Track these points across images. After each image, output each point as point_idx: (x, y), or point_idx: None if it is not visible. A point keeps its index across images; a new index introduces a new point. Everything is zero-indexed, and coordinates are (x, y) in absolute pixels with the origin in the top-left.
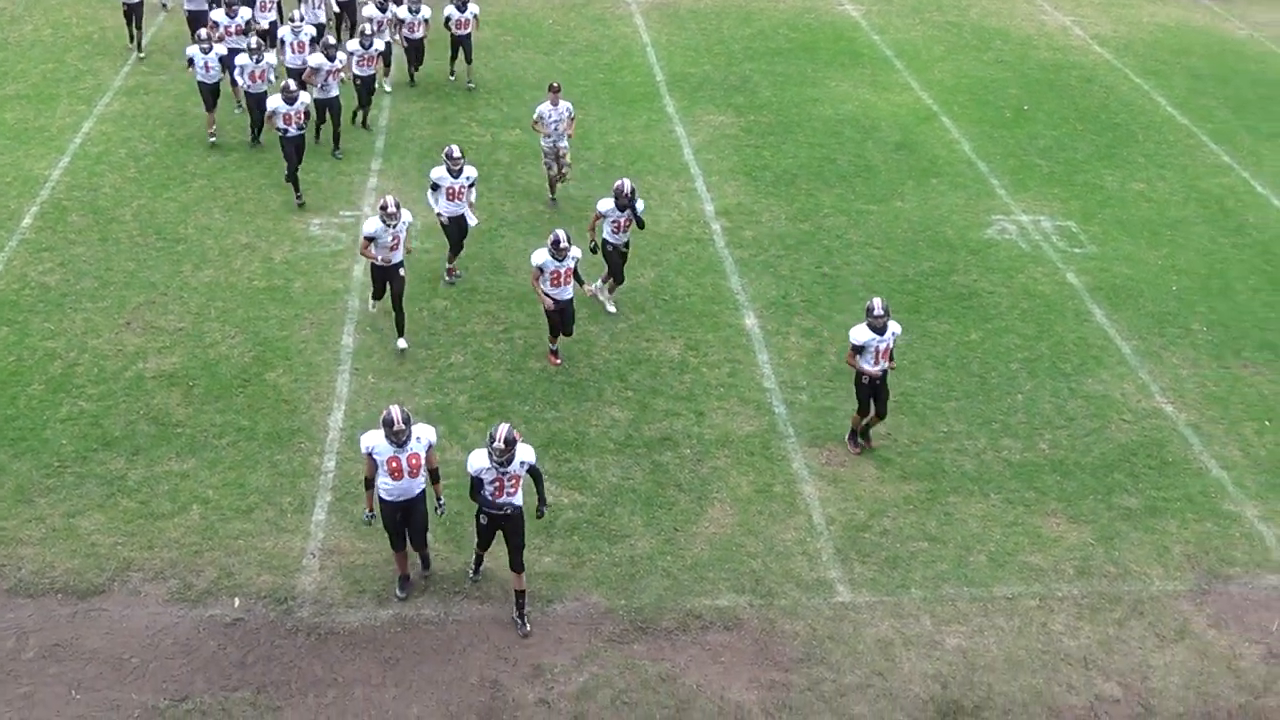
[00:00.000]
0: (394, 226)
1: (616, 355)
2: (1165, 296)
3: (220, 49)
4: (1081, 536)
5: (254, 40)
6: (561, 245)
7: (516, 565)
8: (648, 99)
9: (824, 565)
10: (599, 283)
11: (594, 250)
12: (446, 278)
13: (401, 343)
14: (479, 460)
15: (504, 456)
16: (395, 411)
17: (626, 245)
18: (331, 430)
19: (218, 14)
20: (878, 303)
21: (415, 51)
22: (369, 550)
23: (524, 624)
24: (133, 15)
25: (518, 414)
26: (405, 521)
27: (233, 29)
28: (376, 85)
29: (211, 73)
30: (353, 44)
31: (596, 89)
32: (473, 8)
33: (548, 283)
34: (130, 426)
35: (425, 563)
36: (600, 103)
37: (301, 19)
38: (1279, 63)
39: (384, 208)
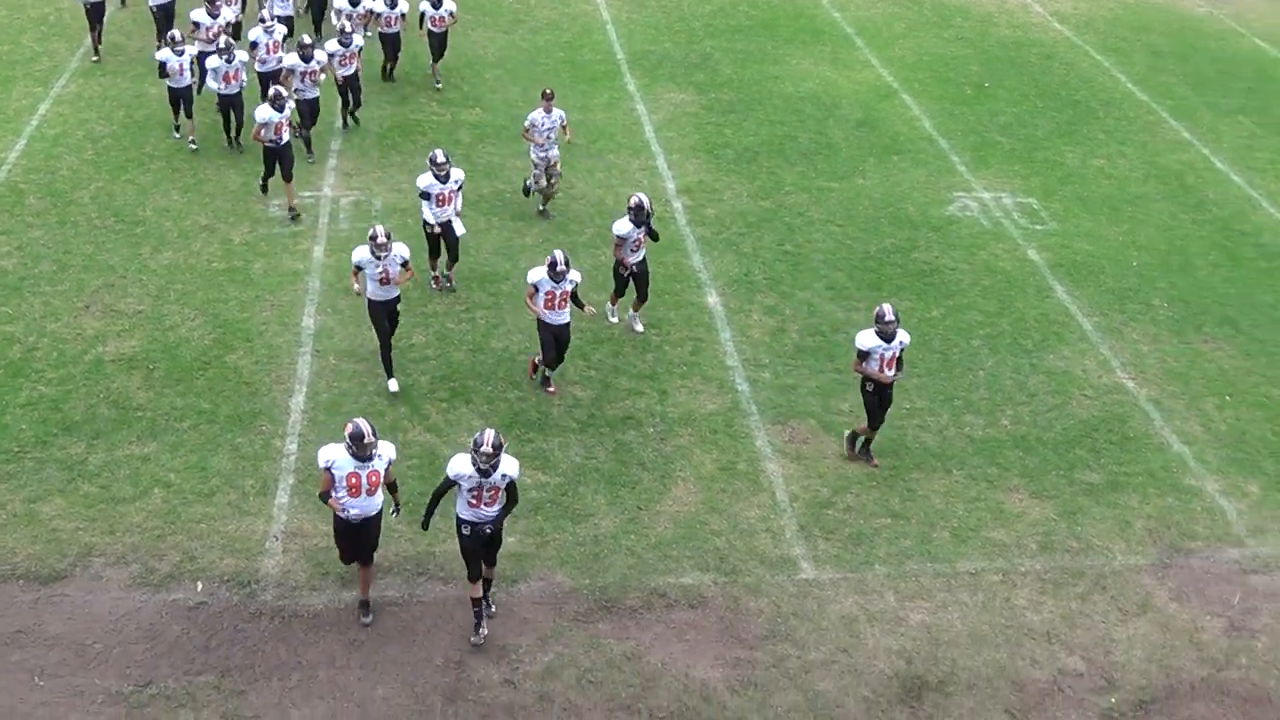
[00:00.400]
0: (384, 259)
1: (579, 334)
2: (1126, 273)
3: (192, 50)
4: (1044, 512)
5: (223, 40)
6: (559, 267)
7: (491, 561)
8: (608, 77)
9: (788, 542)
10: (610, 306)
11: (625, 276)
12: (434, 285)
13: (393, 384)
14: (460, 465)
15: (490, 462)
16: (364, 425)
17: (644, 260)
18: (293, 413)
19: (198, 14)
20: (888, 309)
21: (391, 47)
22: (331, 533)
23: (490, 605)
24: (95, 17)
25: (480, 394)
26: (357, 539)
27: (214, 30)
28: (361, 82)
29: (183, 77)
30: (331, 44)
31: (557, 67)
32: (449, 4)
33: (542, 303)
34: (90, 410)
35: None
36: (561, 81)
37: (273, 18)
38: (1238, 39)
39: (373, 238)
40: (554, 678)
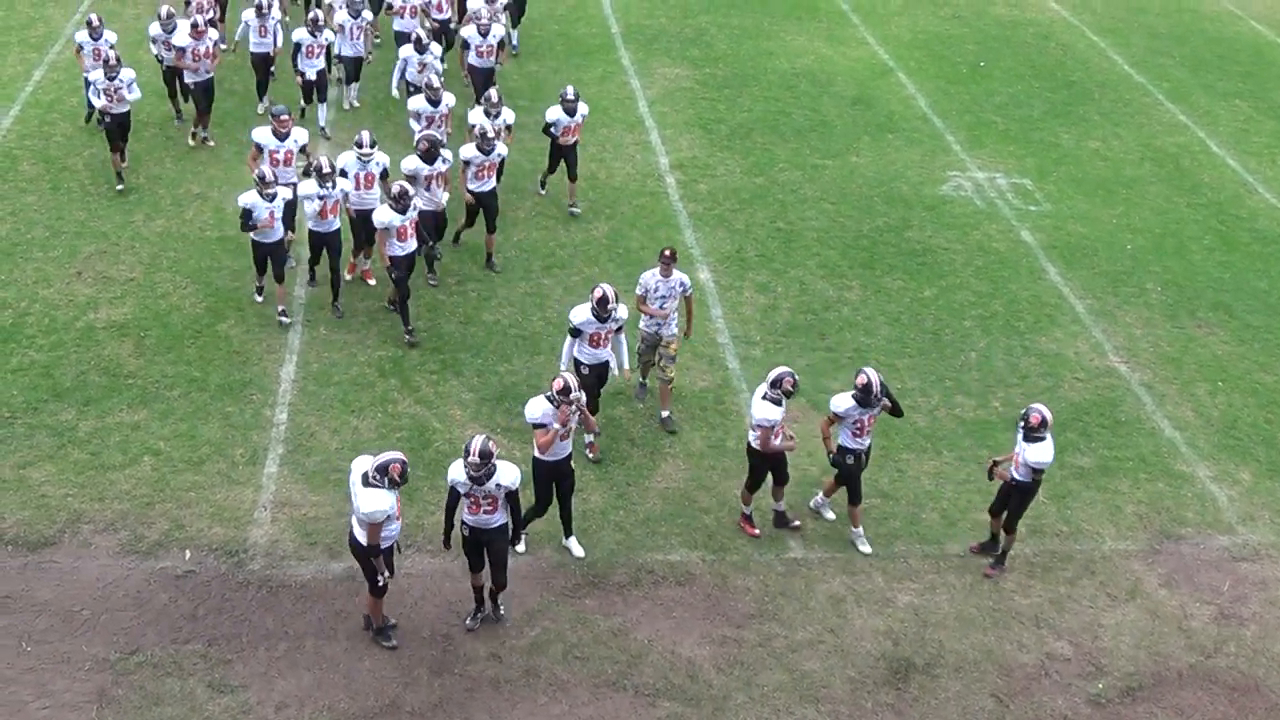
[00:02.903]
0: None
1: (570, 308)
2: (1120, 255)
3: (286, 194)
4: None
5: (316, 161)
6: (609, 304)
7: (498, 582)
8: (603, 51)
9: None
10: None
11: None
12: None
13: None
14: (456, 471)
15: (479, 471)
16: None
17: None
18: (283, 382)
19: (263, 135)
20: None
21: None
22: (320, 503)
23: (499, 610)
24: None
25: (470, 367)
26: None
27: (285, 154)
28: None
29: (275, 230)
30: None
31: (551, 40)
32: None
33: (585, 344)
34: (81, 377)
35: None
36: (555, 55)
37: (371, 144)
38: (1236, 22)
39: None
40: (540, 653)
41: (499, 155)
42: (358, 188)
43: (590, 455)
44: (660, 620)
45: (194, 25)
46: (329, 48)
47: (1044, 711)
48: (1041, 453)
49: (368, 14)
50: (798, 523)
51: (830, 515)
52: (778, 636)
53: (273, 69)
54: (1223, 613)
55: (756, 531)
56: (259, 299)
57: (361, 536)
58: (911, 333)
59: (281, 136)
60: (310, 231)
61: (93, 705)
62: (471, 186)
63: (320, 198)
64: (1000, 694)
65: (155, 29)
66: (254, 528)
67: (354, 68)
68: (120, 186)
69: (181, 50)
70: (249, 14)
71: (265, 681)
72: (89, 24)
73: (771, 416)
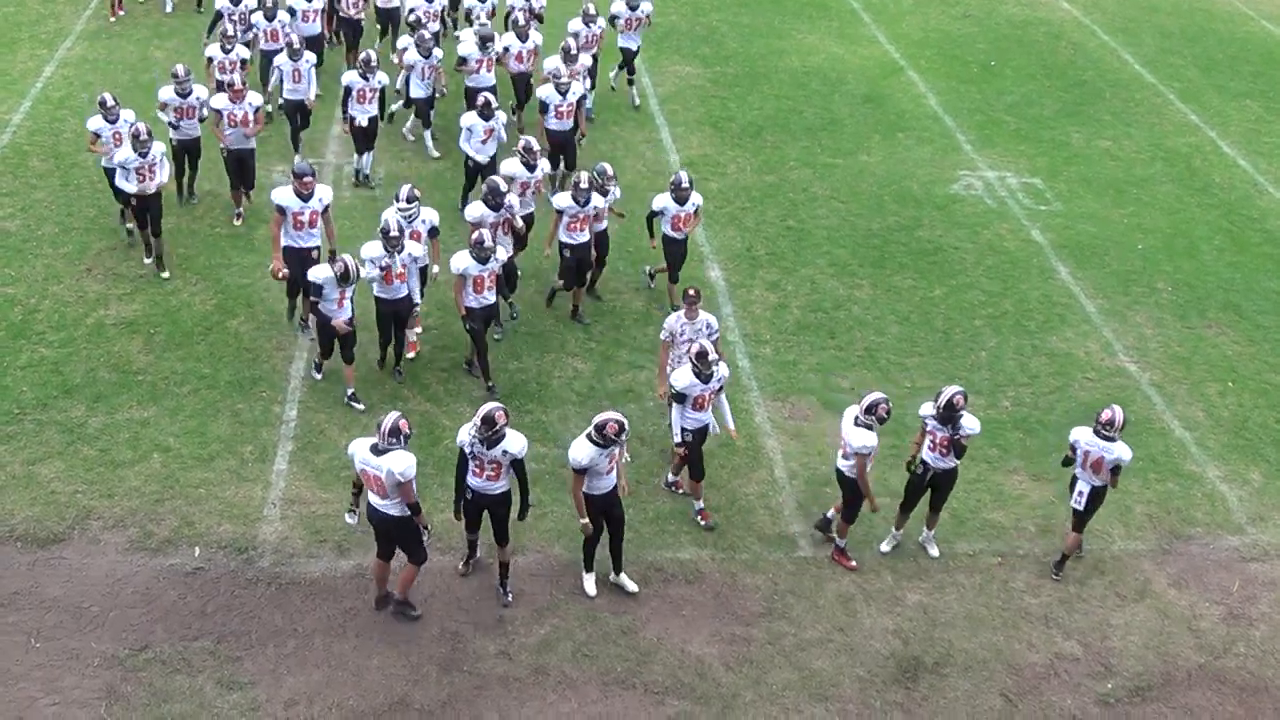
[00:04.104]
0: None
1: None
2: (1130, 255)
3: (371, 271)
4: (1044, 494)
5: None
6: (709, 359)
7: (501, 539)
8: (613, 48)
9: (786, 519)
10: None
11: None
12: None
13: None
14: (463, 433)
15: (484, 435)
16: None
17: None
18: (293, 379)
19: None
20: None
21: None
22: (330, 500)
23: (506, 594)
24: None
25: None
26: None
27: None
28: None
29: (341, 310)
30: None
31: (561, 38)
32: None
33: (690, 409)
34: (91, 374)
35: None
36: None
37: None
38: (1248, 23)
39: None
40: (550, 650)
41: (594, 207)
42: None
43: (703, 522)
44: (669, 618)
45: (229, 85)
46: (382, 91)
47: (1053, 711)
48: (1122, 451)
49: (439, 52)
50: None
51: (934, 551)
52: (787, 635)
53: (308, 118)
54: (1232, 613)
55: (854, 564)
56: (318, 376)
57: (396, 502)
58: (921, 332)
59: (305, 197)
60: (376, 300)
61: (101, 702)
62: (565, 238)
63: (383, 266)
64: (1009, 693)
65: (168, 93)
66: (263, 525)
67: (427, 110)
68: (165, 274)
69: (219, 113)
70: (281, 59)
71: (274, 678)
72: (102, 104)
73: (870, 443)
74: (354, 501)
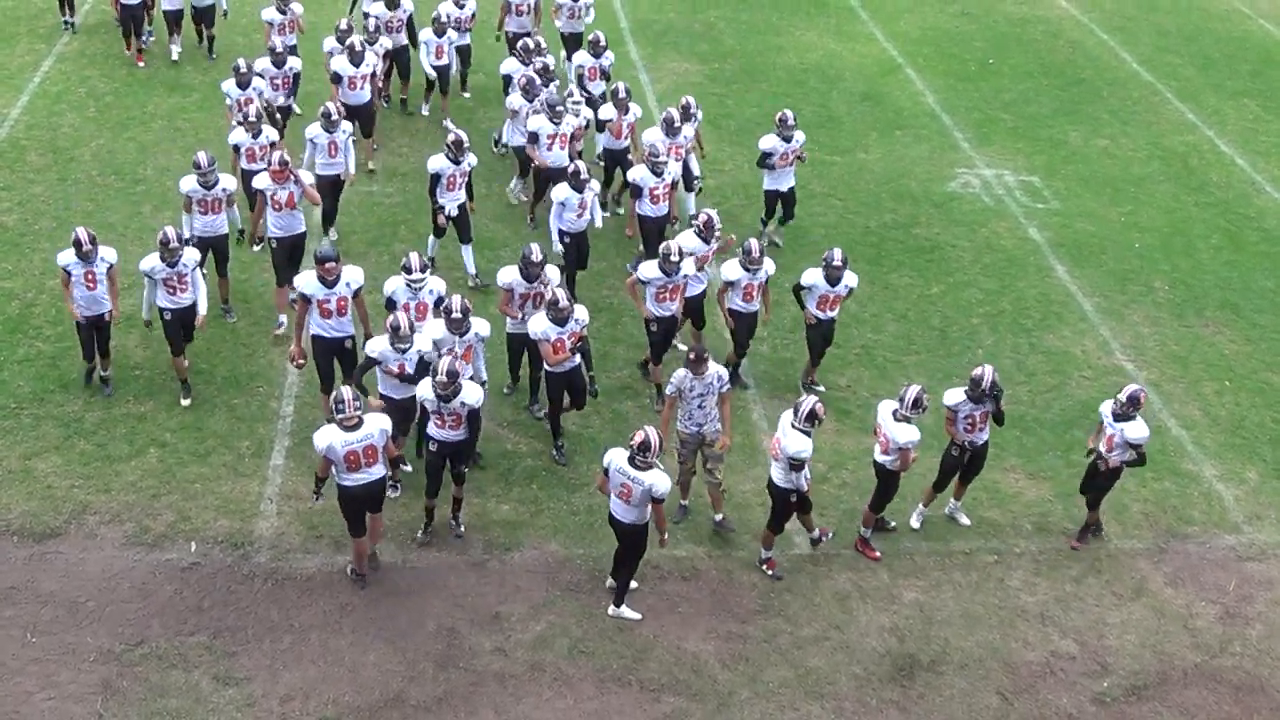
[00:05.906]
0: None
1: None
2: (1127, 254)
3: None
4: (1040, 493)
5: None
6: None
7: (458, 479)
8: (612, 45)
9: None
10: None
11: None
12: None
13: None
14: (426, 390)
15: (445, 390)
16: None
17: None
18: (290, 375)
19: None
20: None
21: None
22: (325, 495)
23: (459, 525)
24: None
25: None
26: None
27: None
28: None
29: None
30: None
31: (558, 35)
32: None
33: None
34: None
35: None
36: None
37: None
38: (1245, 21)
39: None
40: (546, 647)
41: (683, 276)
42: None
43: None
44: (665, 615)
45: (282, 164)
46: (470, 175)
47: (1049, 709)
48: (1137, 429)
49: (579, 119)
50: (894, 524)
51: (965, 520)
52: (783, 632)
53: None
54: (1228, 612)
55: (878, 555)
56: (395, 494)
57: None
58: (918, 329)
59: (329, 284)
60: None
61: (97, 696)
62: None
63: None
64: (1005, 691)
65: (190, 183)
66: (259, 520)
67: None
68: (186, 400)
69: (260, 194)
70: (313, 130)
71: (270, 674)
72: (77, 244)
73: (915, 437)
74: (318, 486)
